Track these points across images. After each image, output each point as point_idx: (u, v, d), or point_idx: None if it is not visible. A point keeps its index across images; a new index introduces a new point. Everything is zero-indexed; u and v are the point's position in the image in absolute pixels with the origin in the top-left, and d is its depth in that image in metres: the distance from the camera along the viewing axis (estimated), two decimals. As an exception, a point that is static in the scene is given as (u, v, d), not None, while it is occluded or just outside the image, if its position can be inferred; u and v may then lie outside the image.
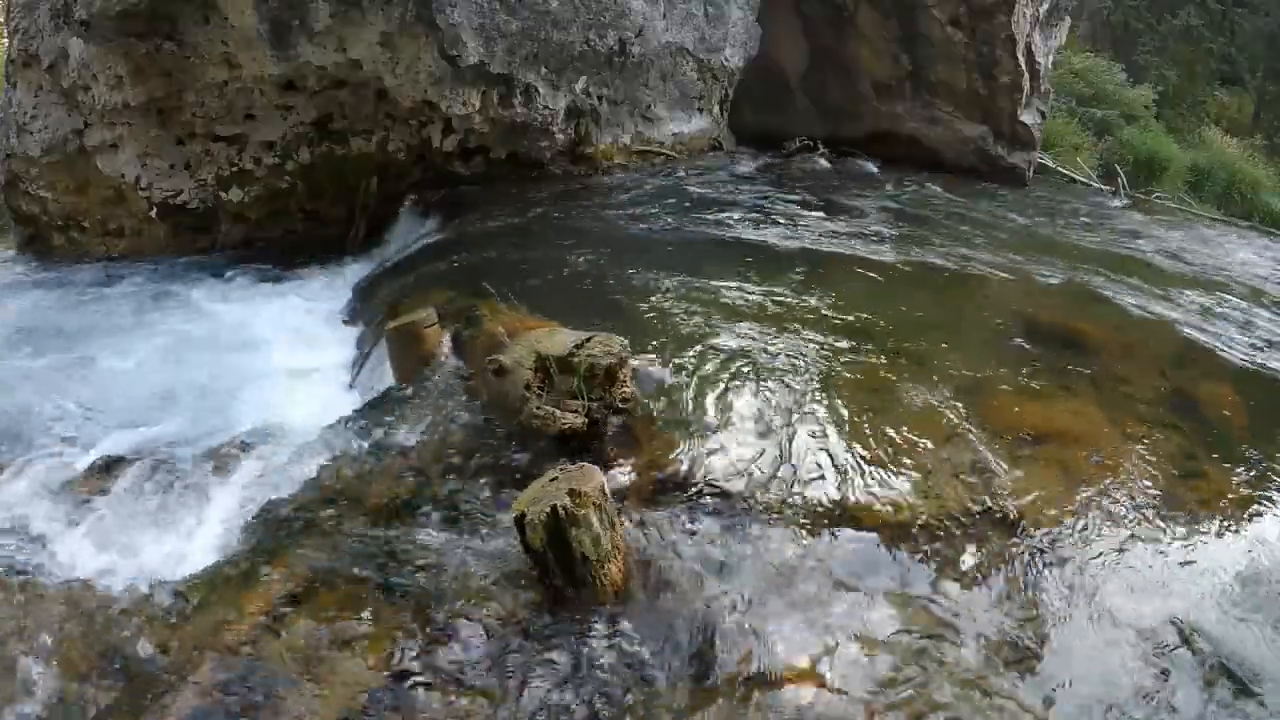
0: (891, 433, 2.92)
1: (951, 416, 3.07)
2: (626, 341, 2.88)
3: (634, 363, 2.98)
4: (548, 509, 2.06)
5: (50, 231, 6.45)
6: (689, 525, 2.46)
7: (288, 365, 4.06)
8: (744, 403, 3.03)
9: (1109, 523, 2.57)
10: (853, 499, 2.57)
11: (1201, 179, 10.71)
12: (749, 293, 4.03)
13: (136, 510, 2.84)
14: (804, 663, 2.02)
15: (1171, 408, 3.32)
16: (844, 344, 3.64)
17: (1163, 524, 2.61)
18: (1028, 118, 8.07)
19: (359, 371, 3.86)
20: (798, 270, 4.42)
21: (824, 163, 7.43)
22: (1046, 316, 4.15)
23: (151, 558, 2.58)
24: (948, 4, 7.65)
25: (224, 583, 2.31)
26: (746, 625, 2.11)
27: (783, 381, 3.20)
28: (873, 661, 2.03)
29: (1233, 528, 2.64)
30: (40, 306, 5.24)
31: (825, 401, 3.09)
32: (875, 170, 7.56)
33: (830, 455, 2.78)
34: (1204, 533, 2.59)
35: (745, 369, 3.25)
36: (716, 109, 7.66)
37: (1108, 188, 9.17)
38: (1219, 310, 4.77)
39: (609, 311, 3.74)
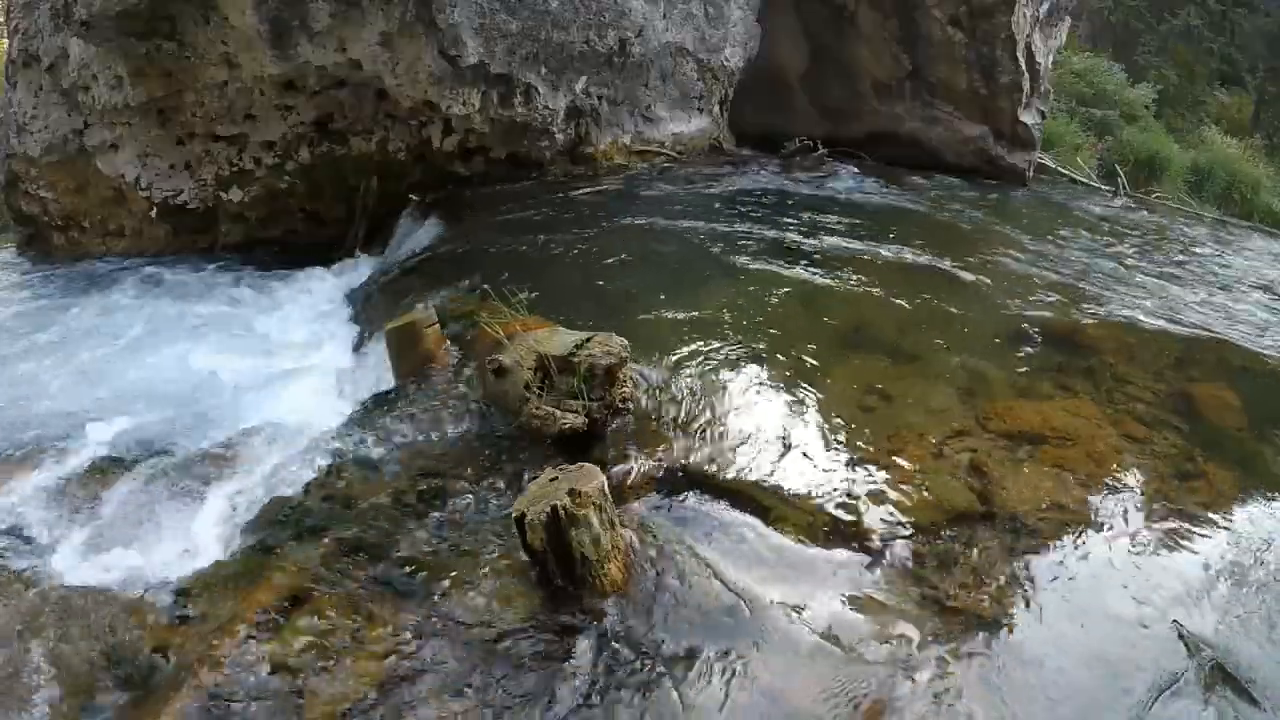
0: (891, 433, 2.92)
1: (951, 416, 3.07)
2: (626, 342, 2.88)
3: (633, 363, 2.98)
4: (548, 509, 2.06)
5: (50, 231, 6.45)
6: (689, 524, 2.46)
7: (288, 365, 4.06)
8: (743, 402, 3.03)
9: (1108, 523, 2.58)
10: (852, 498, 2.58)
11: (1201, 179, 10.69)
12: (749, 292, 4.03)
13: (135, 511, 2.84)
14: (803, 663, 2.02)
15: (1171, 408, 3.32)
16: (844, 343, 3.65)
17: (1162, 525, 2.61)
18: (1028, 118, 8.07)
19: (359, 371, 3.86)
20: (797, 269, 4.42)
21: (840, 168, 7.41)
22: (1046, 316, 4.15)
23: (151, 558, 2.58)
24: (948, 4, 7.64)
25: (224, 583, 2.31)
26: (747, 625, 2.12)
27: (782, 381, 3.20)
28: (870, 661, 2.03)
29: (1232, 529, 2.64)
30: (38, 307, 5.24)
31: (825, 401, 3.09)
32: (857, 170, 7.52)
33: (830, 455, 2.79)
34: (1203, 534, 2.59)
35: (745, 369, 3.25)
36: (716, 109, 7.65)
37: (1108, 188, 9.16)
38: (1218, 310, 4.76)
39: (609, 311, 3.74)
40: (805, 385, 3.19)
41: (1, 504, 2.87)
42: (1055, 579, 2.34)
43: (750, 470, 2.68)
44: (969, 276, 4.68)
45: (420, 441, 2.91)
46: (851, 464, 2.75)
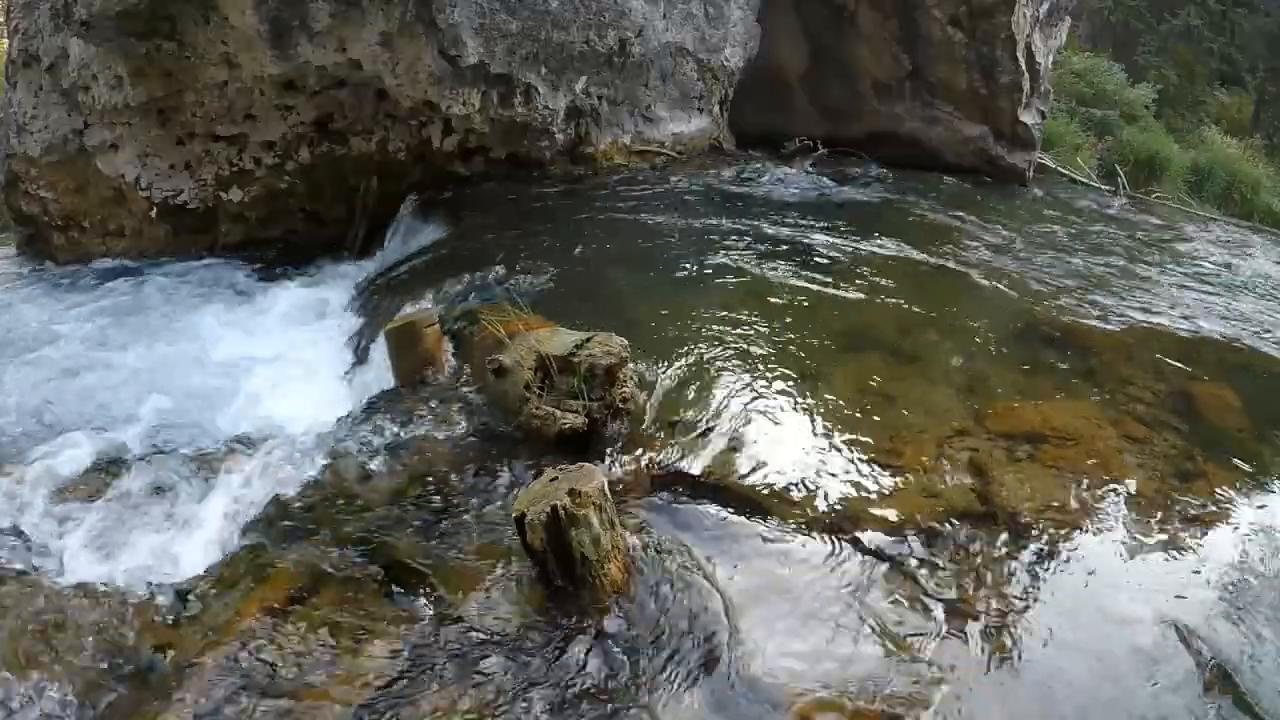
0: (891, 432, 2.92)
1: (951, 416, 3.07)
2: (626, 342, 2.88)
3: (633, 363, 2.98)
4: (548, 509, 2.06)
5: (50, 231, 6.44)
6: (689, 525, 2.46)
7: (287, 365, 4.06)
8: (743, 402, 3.03)
9: (1108, 523, 2.58)
10: (852, 498, 2.58)
11: (1201, 179, 10.68)
12: (749, 292, 4.03)
13: (136, 510, 2.84)
14: (803, 663, 2.02)
15: (1171, 408, 3.32)
16: (844, 343, 3.65)
17: (1162, 525, 2.61)
18: (1028, 118, 8.06)
19: (358, 372, 3.86)
20: (796, 269, 4.42)
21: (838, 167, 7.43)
22: (1046, 316, 4.15)
23: (151, 558, 2.58)
24: (948, 4, 7.63)
25: (224, 583, 2.32)
26: (747, 625, 2.12)
27: (782, 381, 3.20)
28: (870, 662, 2.03)
29: (1231, 529, 2.64)
30: (38, 307, 5.24)
31: (825, 401, 3.09)
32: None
33: (830, 455, 2.79)
34: (1203, 534, 2.59)
35: (745, 368, 3.25)
36: (716, 109, 7.65)
37: (1108, 188, 9.16)
38: (1219, 310, 4.77)
39: (609, 311, 3.74)
40: (805, 385, 3.19)
41: (3, 502, 2.87)
42: (1055, 579, 2.34)
43: (750, 471, 2.68)
44: (969, 276, 4.69)
45: (420, 441, 2.91)
46: (851, 464, 2.75)
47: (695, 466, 2.69)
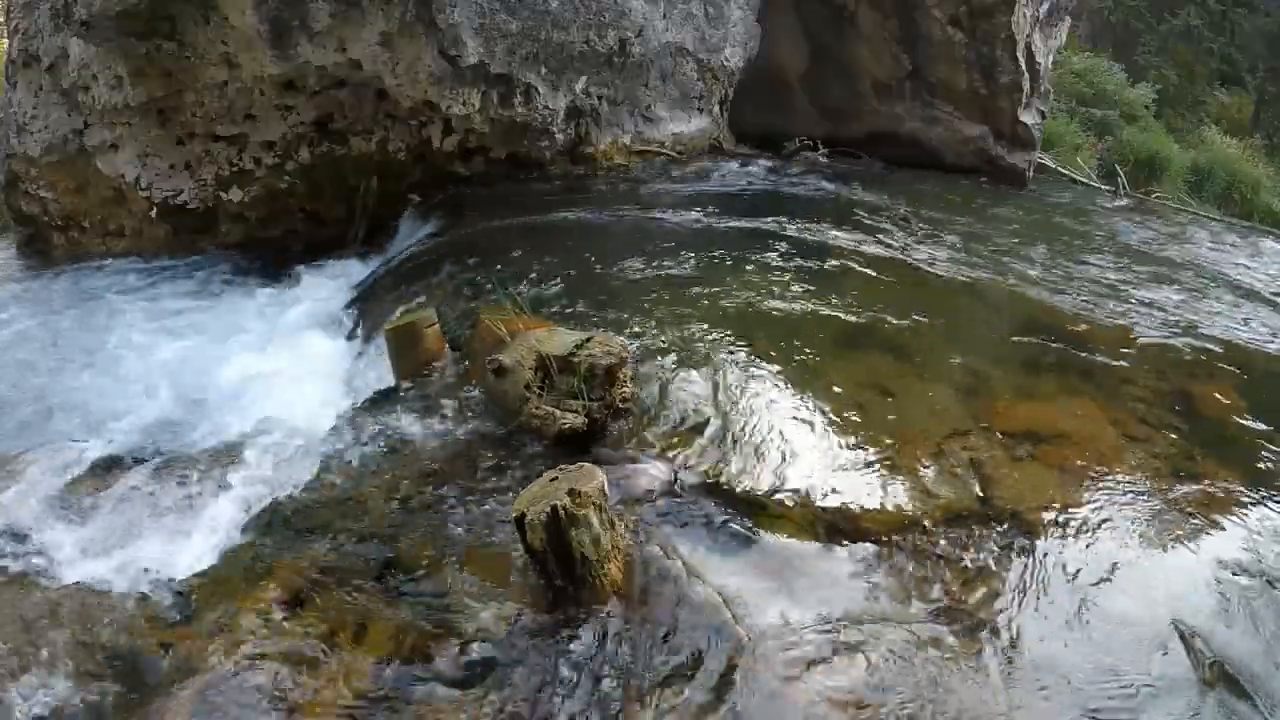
0: (891, 432, 2.92)
1: (951, 416, 3.07)
2: (626, 342, 2.89)
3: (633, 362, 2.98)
4: (548, 509, 2.07)
5: (50, 231, 6.45)
6: (688, 524, 2.46)
7: (287, 365, 4.06)
8: (744, 402, 3.03)
9: (1108, 523, 2.58)
10: (852, 499, 2.58)
11: (1201, 179, 10.68)
12: (749, 292, 4.03)
13: (137, 510, 2.85)
14: (802, 663, 2.02)
15: (1171, 408, 3.32)
16: (844, 343, 3.65)
17: (1161, 524, 2.61)
18: (1028, 118, 8.06)
19: (359, 372, 3.86)
20: (798, 269, 4.42)
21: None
22: (1046, 316, 4.15)
23: (152, 558, 2.58)
24: (948, 4, 7.64)
25: (225, 583, 2.32)
26: (746, 625, 2.12)
27: (783, 380, 3.20)
28: (871, 663, 2.03)
29: (1231, 528, 2.64)
30: (39, 306, 5.24)
31: (825, 401, 3.09)
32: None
33: (829, 455, 2.79)
34: (1203, 533, 2.59)
35: (745, 368, 3.25)
36: (716, 109, 7.65)
37: (1108, 188, 9.16)
38: (1219, 310, 4.76)
39: (609, 310, 3.74)
40: (805, 384, 3.19)
41: (4, 502, 2.87)
42: (1055, 578, 2.34)
43: (750, 470, 2.68)
44: (968, 276, 4.68)
45: (419, 441, 2.91)
46: (851, 464, 2.75)
47: (694, 466, 2.69)
